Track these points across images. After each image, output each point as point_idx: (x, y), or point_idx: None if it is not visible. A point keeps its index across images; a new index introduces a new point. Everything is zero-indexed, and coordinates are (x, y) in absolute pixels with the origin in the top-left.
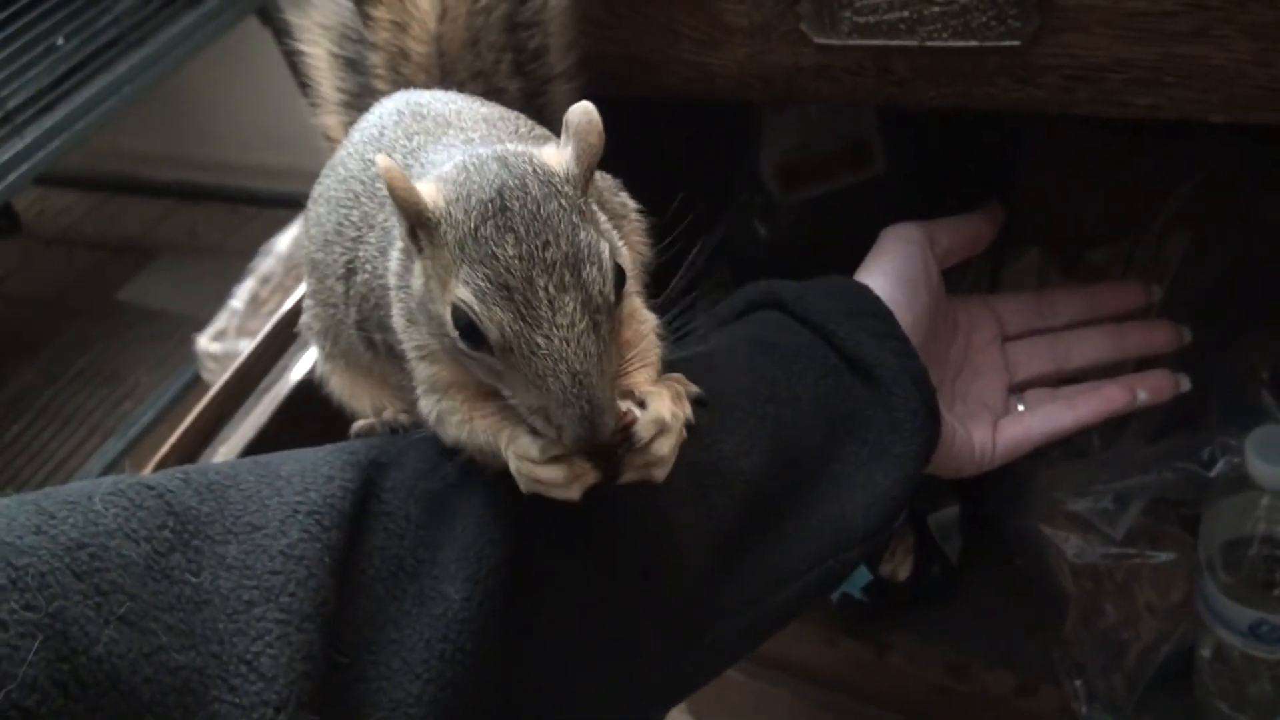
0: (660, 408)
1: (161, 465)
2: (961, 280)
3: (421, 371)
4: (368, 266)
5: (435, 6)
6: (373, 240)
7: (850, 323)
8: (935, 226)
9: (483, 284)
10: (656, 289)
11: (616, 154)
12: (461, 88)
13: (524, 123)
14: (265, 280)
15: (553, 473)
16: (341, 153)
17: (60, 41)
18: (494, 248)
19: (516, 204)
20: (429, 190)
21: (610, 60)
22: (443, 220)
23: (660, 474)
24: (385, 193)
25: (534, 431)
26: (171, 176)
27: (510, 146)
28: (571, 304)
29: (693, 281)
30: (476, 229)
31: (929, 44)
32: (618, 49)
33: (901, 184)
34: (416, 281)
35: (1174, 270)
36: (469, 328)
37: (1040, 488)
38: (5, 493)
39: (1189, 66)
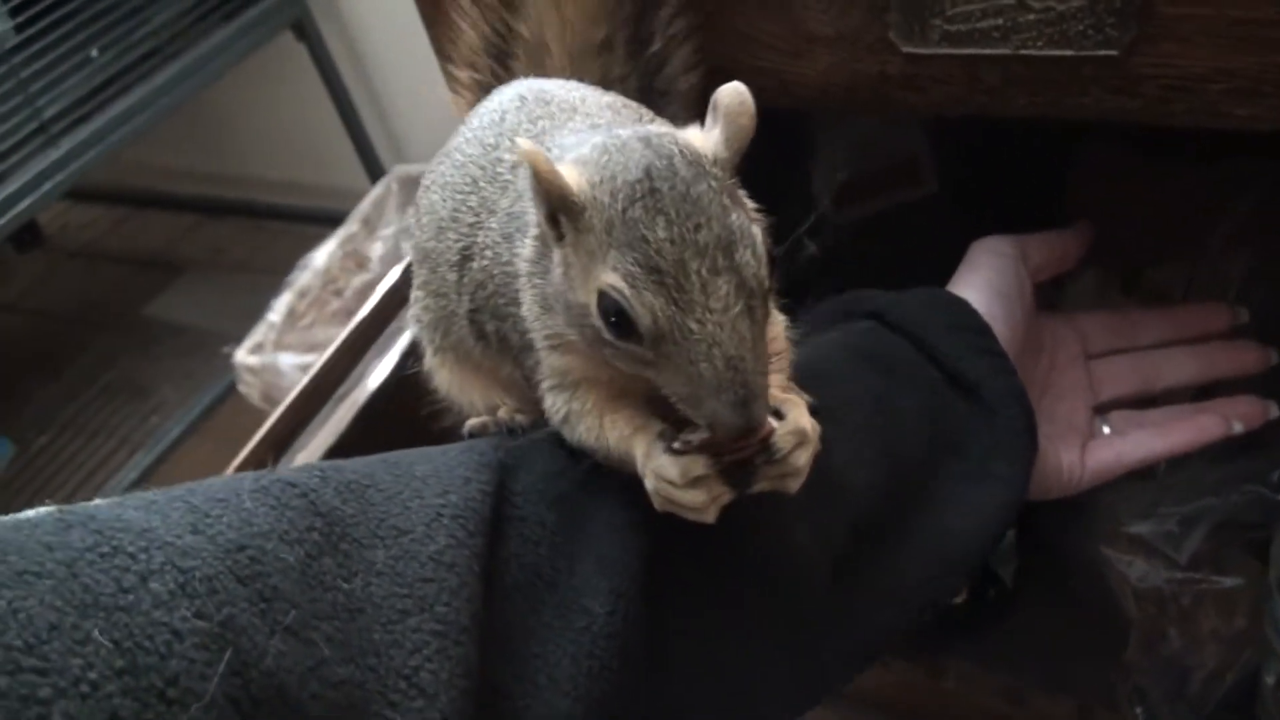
0: (800, 418)
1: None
2: None
3: (552, 362)
4: (487, 253)
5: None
6: (494, 225)
7: (952, 337)
8: (1027, 241)
9: (632, 268)
10: None
11: None
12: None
13: (646, 112)
14: (302, 294)
15: (692, 496)
16: (458, 139)
17: (95, 53)
18: (644, 230)
19: (665, 185)
20: (570, 173)
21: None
22: (588, 204)
23: (794, 485)
24: (507, 177)
25: (671, 450)
26: (197, 191)
27: (651, 127)
28: (725, 287)
29: None
30: (624, 211)
31: (1022, 52)
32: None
33: (952, 202)
34: (556, 270)
35: (1236, 289)
36: (618, 314)
37: (1102, 509)
38: (39, 504)
39: None
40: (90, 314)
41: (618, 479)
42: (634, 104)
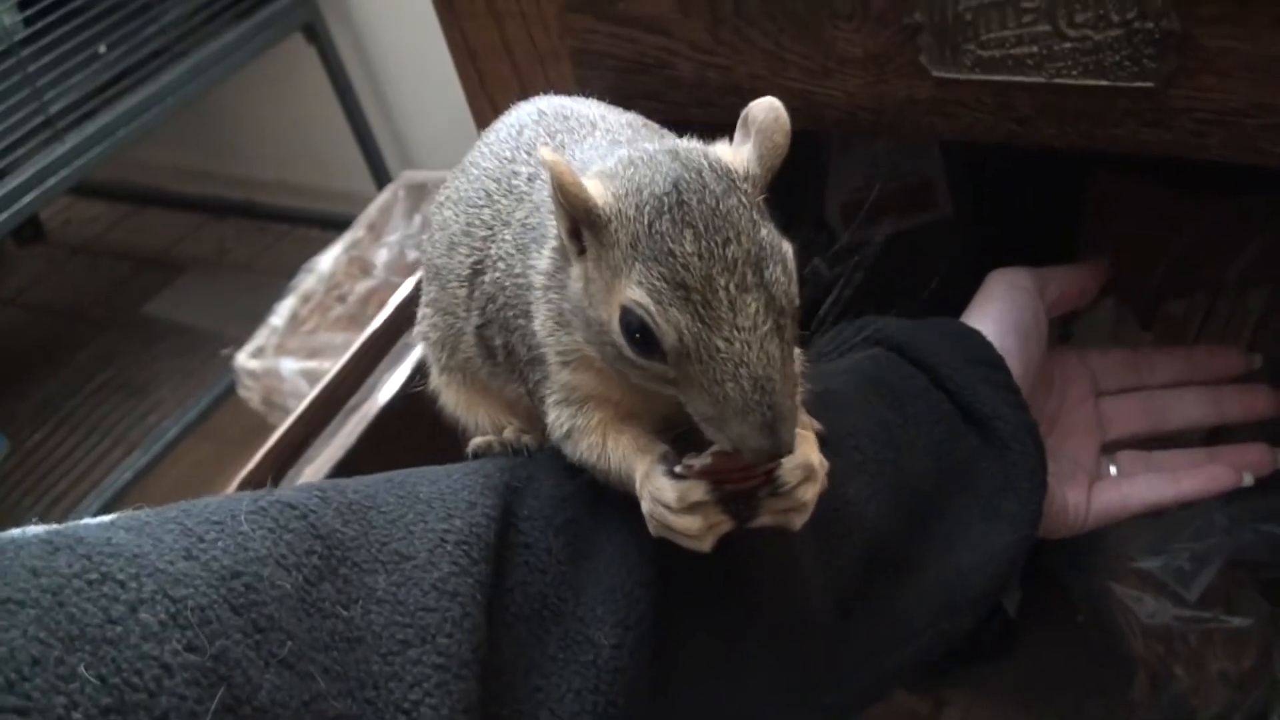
0: (809, 452)
1: (244, 485)
2: None
3: (561, 378)
4: (500, 264)
5: None
6: (508, 237)
7: (967, 369)
8: (1046, 275)
9: (658, 283)
10: None
11: None
12: None
13: (666, 132)
14: (306, 299)
15: (688, 522)
16: (473, 154)
17: (103, 49)
18: (670, 244)
19: (694, 198)
20: (594, 186)
21: (707, 86)
22: (613, 218)
23: (799, 521)
24: (524, 189)
25: (671, 474)
26: (202, 191)
27: (679, 141)
28: (754, 305)
29: None
30: (651, 224)
31: (1056, 81)
32: (718, 75)
33: (965, 228)
34: (575, 284)
35: (1254, 324)
36: (641, 331)
37: (1111, 544)
38: (31, 500)
39: None
40: (90, 310)
41: (627, 505)
42: (654, 124)
